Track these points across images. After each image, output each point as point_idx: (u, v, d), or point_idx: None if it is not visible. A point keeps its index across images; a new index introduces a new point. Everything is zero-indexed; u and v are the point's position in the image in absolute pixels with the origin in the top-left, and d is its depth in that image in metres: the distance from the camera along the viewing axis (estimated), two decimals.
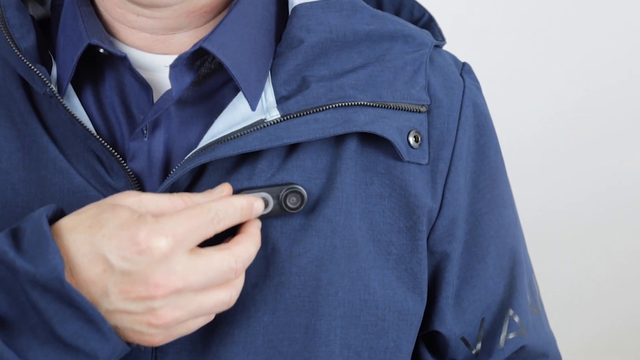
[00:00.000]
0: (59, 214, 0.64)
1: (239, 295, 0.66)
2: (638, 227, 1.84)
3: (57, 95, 0.69)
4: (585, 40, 1.73)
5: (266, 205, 0.70)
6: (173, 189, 0.70)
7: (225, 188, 0.69)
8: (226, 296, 0.65)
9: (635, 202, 1.83)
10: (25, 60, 0.70)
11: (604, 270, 1.85)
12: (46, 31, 0.76)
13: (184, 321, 0.64)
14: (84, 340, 0.61)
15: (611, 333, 1.88)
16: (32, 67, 0.69)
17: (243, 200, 0.67)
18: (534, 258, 0.91)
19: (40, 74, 0.69)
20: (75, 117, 0.69)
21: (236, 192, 0.70)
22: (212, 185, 0.70)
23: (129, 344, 0.64)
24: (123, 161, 0.69)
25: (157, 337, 0.63)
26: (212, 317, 0.66)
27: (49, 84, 0.69)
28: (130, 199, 0.63)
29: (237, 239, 0.66)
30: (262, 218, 0.70)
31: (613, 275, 1.86)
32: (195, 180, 0.70)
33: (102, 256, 0.60)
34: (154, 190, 0.70)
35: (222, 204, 0.65)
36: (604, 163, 1.79)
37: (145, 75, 0.72)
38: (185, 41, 0.72)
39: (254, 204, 0.68)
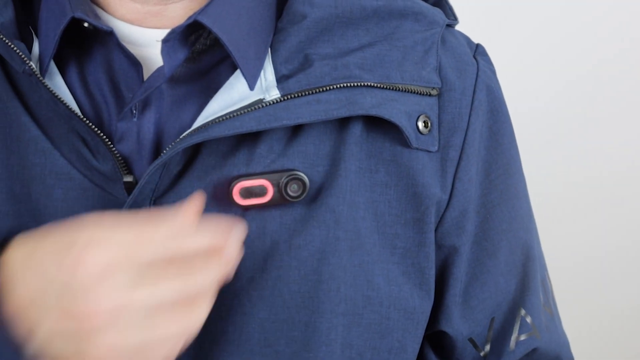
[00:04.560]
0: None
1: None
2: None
3: (37, 73, 0.64)
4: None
5: (265, 193, 0.65)
6: (164, 171, 0.65)
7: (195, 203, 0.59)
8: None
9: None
10: (1, 37, 0.65)
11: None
12: (26, 3, 0.71)
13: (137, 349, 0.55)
14: None
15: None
16: (10, 44, 0.65)
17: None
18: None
19: (18, 51, 0.65)
20: (57, 96, 0.64)
21: (234, 178, 0.65)
22: (207, 169, 0.65)
23: None
24: (110, 143, 0.65)
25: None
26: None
27: (27, 62, 0.64)
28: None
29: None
30: (261, 208, 0.65)
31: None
32: (189, 164, 0.66)
33: (39, 275, 0.55)
34: (143, 173, 0.66)
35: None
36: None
37: (135, 51, 0.67)
38: (179, 14, 0.68)
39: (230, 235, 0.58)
